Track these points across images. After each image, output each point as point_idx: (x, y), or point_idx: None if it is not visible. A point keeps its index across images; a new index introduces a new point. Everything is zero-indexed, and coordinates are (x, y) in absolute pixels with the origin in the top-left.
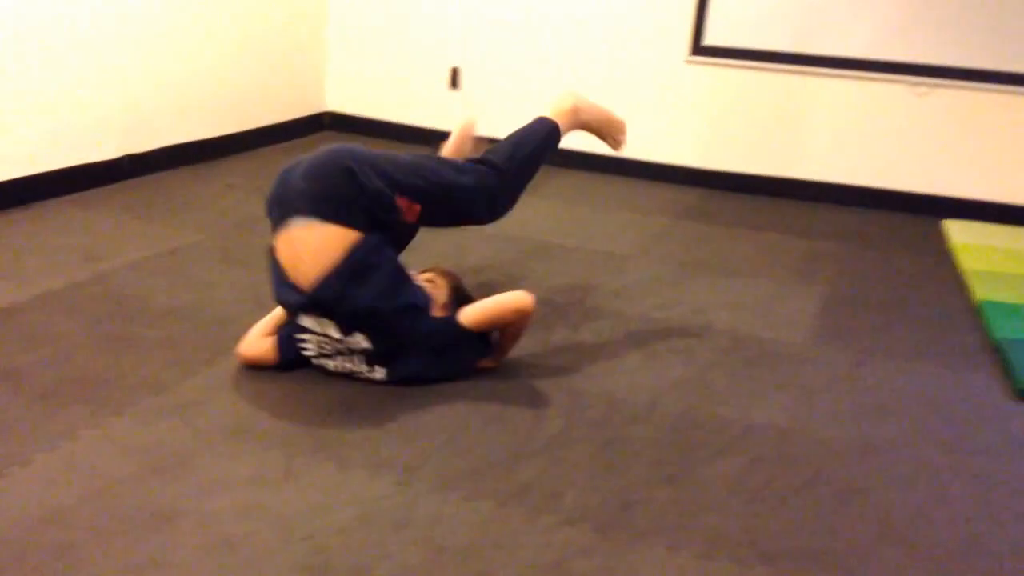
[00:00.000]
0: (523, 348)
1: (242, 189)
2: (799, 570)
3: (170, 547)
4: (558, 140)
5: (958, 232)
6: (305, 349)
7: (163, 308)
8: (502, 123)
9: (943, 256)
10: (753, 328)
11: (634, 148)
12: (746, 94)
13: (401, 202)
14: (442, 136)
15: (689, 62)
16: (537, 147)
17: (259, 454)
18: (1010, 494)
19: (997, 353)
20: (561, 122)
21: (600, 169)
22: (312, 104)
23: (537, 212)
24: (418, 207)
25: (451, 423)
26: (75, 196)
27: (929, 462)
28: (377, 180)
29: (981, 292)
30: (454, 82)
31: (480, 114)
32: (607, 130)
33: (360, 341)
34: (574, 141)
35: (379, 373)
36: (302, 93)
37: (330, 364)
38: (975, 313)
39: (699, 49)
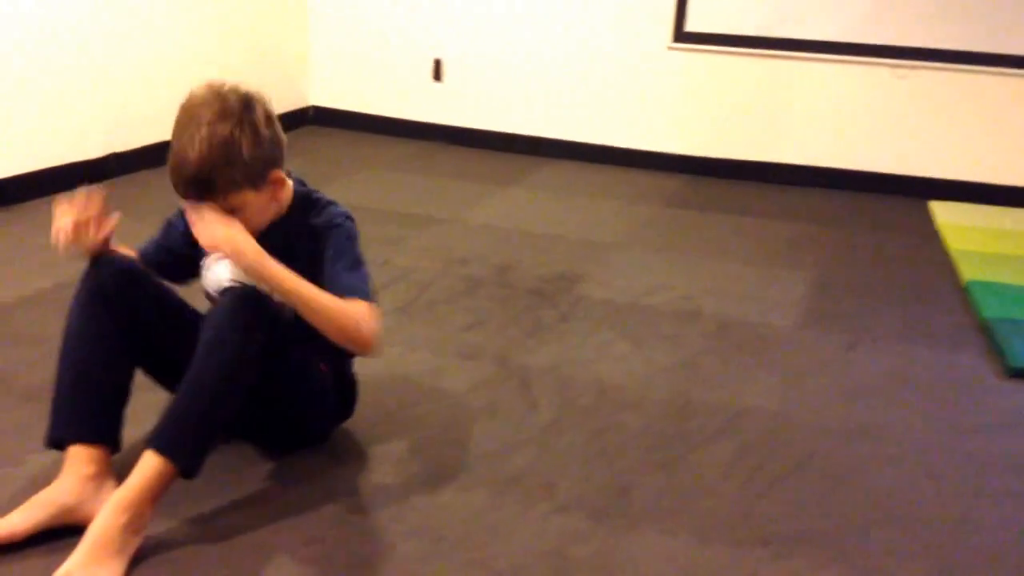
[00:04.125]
0: (512, 338)
1: None
2: (794, 551)
3: (175, 538)
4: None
5: (944, 213)
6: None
7: None
8: (485, 115)
9: (929, 237)
10: (741, 313)
11: (618, 136)
12: (729, 79)
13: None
14: (425, 128)
15: (671, 48)
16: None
17: (251, 449)
18: (1001, 471)
19: (985, 333)
20: None
21: (583, 158)
22: (296, 98)
23: (523, 202)
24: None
25: (442, 415)
26: (62, 196)
27: (920, 442)
28: None
29: (968, 272)
30: (437, 74)
31: (464, 106)
32: None
33: None
34: (557, 130)
35: None
36: (286, 87)
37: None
38: (962, 293)
39: (681, 35)
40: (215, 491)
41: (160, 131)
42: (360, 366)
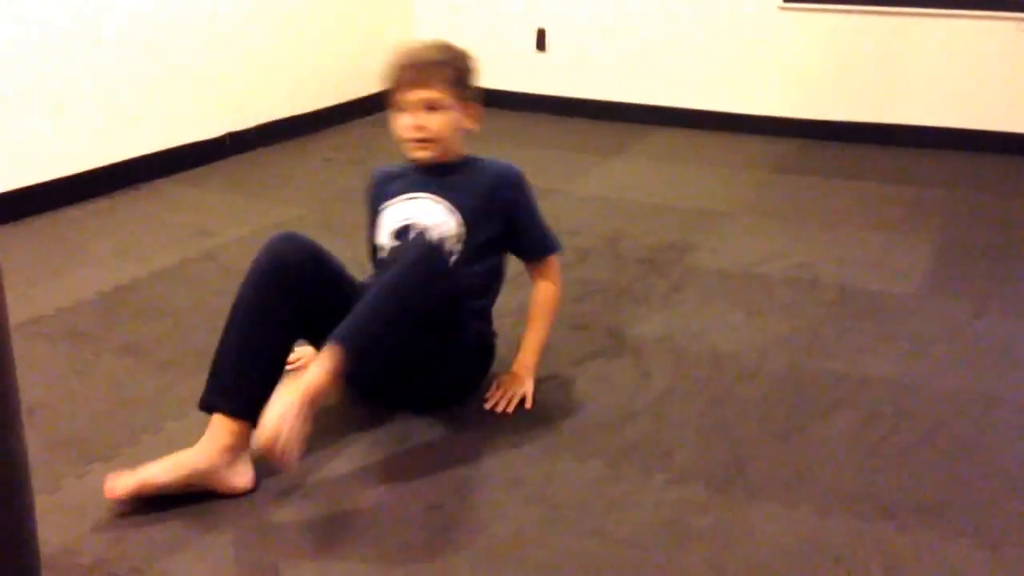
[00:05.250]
0: (624, 309)
1: (339, 162)
2: (922, 524)
3: (303, 502)
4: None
5: None
6: None
7: None
8: (589, 84)
9: None
10: (861, 280)
11: (727, 100)
12: (843, 38)
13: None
14: (529, 99)
15: (783, 8)
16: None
17: (374, 420)
18: None
19: None
20: None
21: (691, 125)
22: None
23: (630, 172)
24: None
25: (555, 386)
26: (183, 175)
27: None
28: None
29: None
30: (541, 44)
31: (569, 76)
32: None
33: None
34: (664, 97)
35: None
36: None
37: None
38: None
39: None
40: (340, 459)
41: (271, 110)
42: None
